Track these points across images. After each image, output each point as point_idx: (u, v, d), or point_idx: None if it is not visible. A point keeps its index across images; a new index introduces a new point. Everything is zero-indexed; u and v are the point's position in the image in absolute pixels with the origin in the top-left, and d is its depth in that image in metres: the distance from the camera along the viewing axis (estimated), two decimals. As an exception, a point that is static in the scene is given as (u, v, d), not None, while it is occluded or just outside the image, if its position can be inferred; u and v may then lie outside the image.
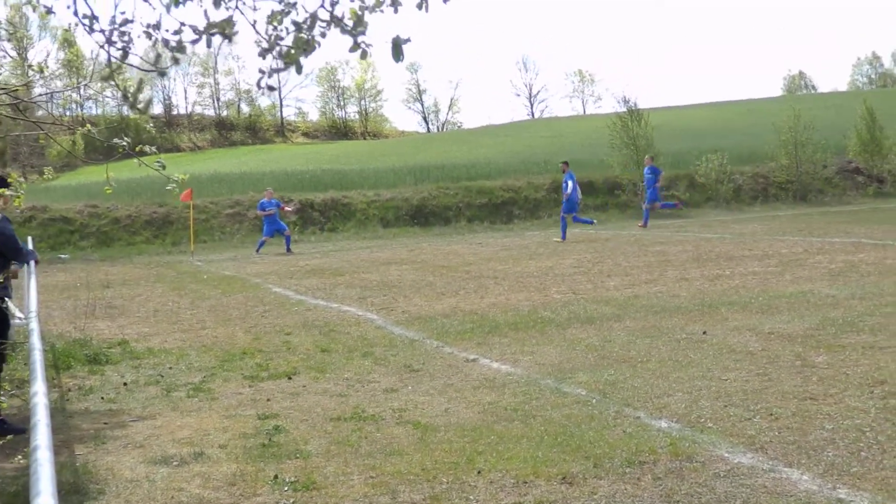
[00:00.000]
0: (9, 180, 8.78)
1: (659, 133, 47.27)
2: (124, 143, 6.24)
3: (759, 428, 8.10)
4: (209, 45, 5.06)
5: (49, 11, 5.73)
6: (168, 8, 5.22)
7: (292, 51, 4.97)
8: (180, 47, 5.20)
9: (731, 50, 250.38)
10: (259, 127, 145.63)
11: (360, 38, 4.95)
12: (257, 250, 32.39)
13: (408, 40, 4.85)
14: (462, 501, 6.77)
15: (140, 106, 5.65)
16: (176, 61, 5.32)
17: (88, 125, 7.15)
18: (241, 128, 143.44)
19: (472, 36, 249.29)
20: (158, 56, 5.35)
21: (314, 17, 4.94)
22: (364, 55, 4.99)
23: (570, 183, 31.60)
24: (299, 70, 5.07)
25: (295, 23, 4.96)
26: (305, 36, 4.95)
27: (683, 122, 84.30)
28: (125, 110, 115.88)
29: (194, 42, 5.10)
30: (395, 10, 5.05)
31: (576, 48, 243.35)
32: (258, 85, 5.08)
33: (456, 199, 41.79)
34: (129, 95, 5.57)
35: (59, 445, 8.51)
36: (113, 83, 5.58)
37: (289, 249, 32.08)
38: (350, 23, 4.94)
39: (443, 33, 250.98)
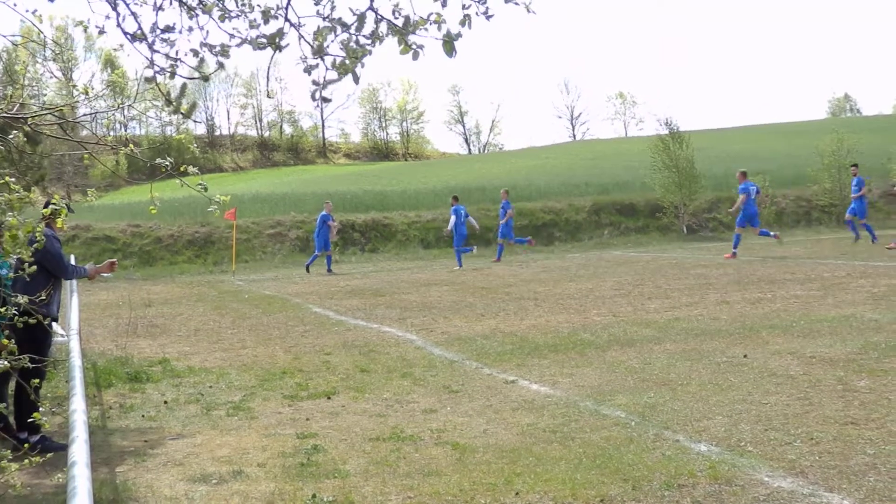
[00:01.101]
0: (53, 202, 8.86)
1: (701, 155, 47.17)
2: (167, 163, 6.28)
3: (800, 452, 8.04)
4: (255, 49, 5.08)
5: (102, 32, 5.78)
6: (200, 18, 5.24)
7: (346, 62, 4.97)
8: (224, 51, 5.22)
9: (776, 73, 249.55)
10: (301, 148, 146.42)
11: (410, 39, 4.95)
12: (329, 268, 32.46)
13: (459, 35, 4.84)
14: (500, 523, 6.76)
15: (184, 110, 5.66)
16: (221, 66, 5.35)
17: (132, 145, 7.20)
18: (283, 148, 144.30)
19: (513, 58, 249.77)
20: (202, 60, 5.37)
21: (362, 18, 4.95)
22: (416, 56, 4.98)
23: (452, 218, 32.73)
24: (356, 80, 5.08)
25: (343, 24, 4.96)
26: (354, 42, 4.96)
27: (726, 144, 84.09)
28: (168, 130, 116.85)
29: (240, 45, 5.13)
30: (439, 28, 5.04)
31: (617, 71, 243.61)
32: (312, 97, 5.09)
33: (497, 220, 41.79)
34: (173, 100, 5.61)
35: (98, 463, 8.57)
36: (155, 85, 5.62)
37: (329, 269, 32.20)
38: (399, 23, 4.95)
39: (485, 55, 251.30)
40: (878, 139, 59.16)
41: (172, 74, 5.44)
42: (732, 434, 8.74)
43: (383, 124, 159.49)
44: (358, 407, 10.74)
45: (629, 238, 41.34)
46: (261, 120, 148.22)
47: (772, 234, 31.38)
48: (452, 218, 32.59)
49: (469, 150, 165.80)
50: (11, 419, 9.69)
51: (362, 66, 5.06)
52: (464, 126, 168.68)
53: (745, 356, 12.48)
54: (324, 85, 5.06)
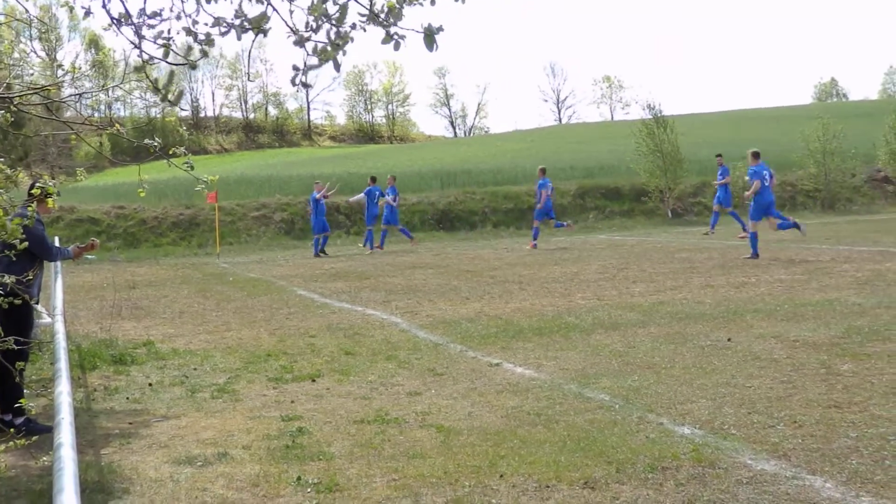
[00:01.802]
0: (37, 185, 8.83)
1: (686, 140, 47.20)
2: (156, 144, 6.27)
3: (783, 435, 8.07)
4: (239, 37, 5.06)
5: (88, 13, 5.76)
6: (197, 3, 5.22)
7: (328, 48, 4.96)
8: (209, 40, 5.21)
9: (762, 58, 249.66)
10: (286, 130, 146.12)
11: (392, 30, 4.93)
12: (316, 252, 32.43)
13: (440, 29, 4.83)
14: (484, 505, 6.78)
15: (171, 98, 5.65)
16: (205, 54, 5.33)
17: (118, 125, 7.18)
18: (268, 131, 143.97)
19: (499, 41, 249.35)
20: (189, 48, 5.36)
21: (344, 8, 4.93)
22: (397, 46, 4.97)
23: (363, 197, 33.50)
24: (337, 67, 5.06)
25: (326, 15, 4.95)
26: (338, 29, 4.94)
27: (711, 129, 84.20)
28: (153, 112, 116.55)
29: (224, 34, 5.11)
30: (433, 3, 5.03)
31: (604, 54, 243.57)
32: (293, 82, 5.07)
33: (482, 203, 41.85)
34: (161, 87, 5.59)
35: (84, 445, 8.56)
36: (144, 75, 5.61)
37: (317, 253, 32.11)
38: (383, 14, 4.94)
39: (471, 38, 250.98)
40: (864, 124, 59.23)
41: (167, 53, 5.42)
42: (716, 417, 8.78)
43: (369, 107, 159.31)
44: (342, 389, 10.75)
45: (614, 222, 41.39)
46: (246, 102, 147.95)
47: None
48: (363, 197, 33.28)
49: (455, 133, 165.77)
50: None
51: (343, 53, 5.04)
52: (450, 109, 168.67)
53: (729, 340, 12.53)
54: (304, 70, 5.04)
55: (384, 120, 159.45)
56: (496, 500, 6.84)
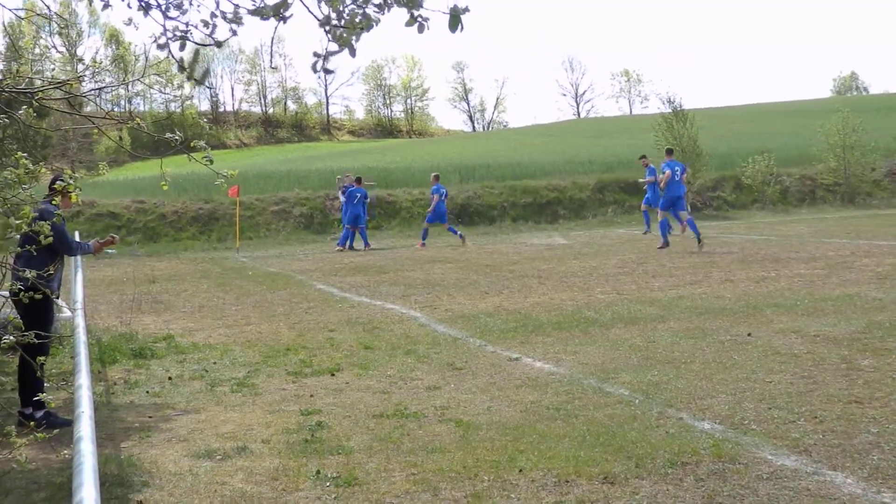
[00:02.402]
0: (59, 180, 8.84)
1: (705, 134, 47.09)
2: (177, 138, 6.27)
3: (804, 431, 8.05)
4: (263, 17, 5.04)
5: (107, 5, 5.76)
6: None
7: (345, 34, 4.94)
8: (237, 18, 5.20)
9: (782, 51, 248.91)
10: (305, 124, 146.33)
11: (416, 12, 4.91)
12: (342, 244, 32.49)
13: (466, 9, 4.79)
14: (503, 500, 6.77)
15: (197, 76, 5.64)
16: (234, 33, 5.32)
17: (138, 119, 7.19)
18: (287, 125, 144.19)
19: (518, 35, 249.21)
20: (214, 27, 5.35)
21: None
22: (421, 29, 4.94)
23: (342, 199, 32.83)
24: (353, 53, 5.04)
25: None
26: (360, 11, 4.92)
27: (730, 123, 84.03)
28: (172, 106, 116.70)
29: (251, 12, 5.09)
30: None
31: (622, 48, 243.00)
32: (314, 69, 5.05)
33: (501, 198, 41.80)
34: (186, 66, 5.59)
35: (104, 438, 8.59)
36: (170, 55, 5.60)
37: (343, 246, 32.03)
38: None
39: (489, 32, 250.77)
40: (884, 118, 59.10)
41: (184, 41, 5.42)
42: (736, 412, 8.76)
43: (387, 101, 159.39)
44: (362, 384, 10.76)
45: (633, 216, 41.21)
46: (265, 96, 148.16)
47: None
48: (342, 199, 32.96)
49: (473, 127, 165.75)
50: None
51: (356, 39, 5.02)
52: (468, 103, 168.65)
53: (749, 335, 12.49)
54: (325, 56, 5.03)
55: (403, 114, 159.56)
56: (515, 494, 6.84)
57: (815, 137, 46.84)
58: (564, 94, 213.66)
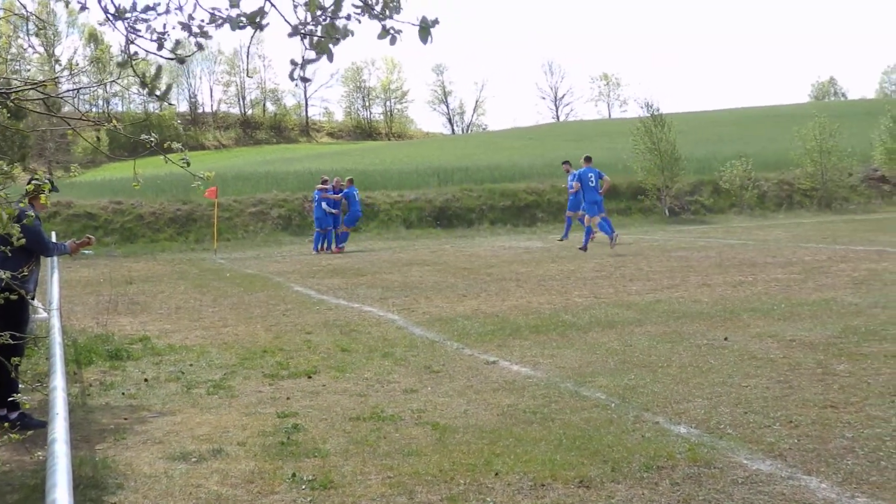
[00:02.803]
0: (32, 180, 8.80)
1: (684, 138, 47.22)
2: (152, 139, 6.25)
3: (779, 435, 8.08)
4: (234, 28, 5.02)
5: (84, 8, 5.74)
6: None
7: (322, 39, 4.93)
8: (203, 32, 5.17)
9: (761, 56, 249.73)
10: (284, 126, 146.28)
11: (388, 24, 4.90)
12: (316, 248, 32.48)
13: (436, 22, 4.79)
14: (479, 503, 6.77)
15: (158, 93, 5.62)
16: (200, 47, 5.30)
17: (115, 121, 7.16)
18: (266, 127, 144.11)
19: (498, 38, 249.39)
20: (178, 42, 5.32)
21: (338, 2, 4.90)
22: (393, 41, 4.94)
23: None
24: (330, 59, 5.02)
25: (321, 7, 4.92)
26: (335, 21, 4.91)
27: (708, 127, 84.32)
28: (151, 107, 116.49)
29: (219, 26, 5.07)
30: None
31: (602, 52, 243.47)
32: (291, 77, 5.03)
33: (479, 201, 41.78)
34: (148, 82, 5.56)
35: (78, 440, 8.56)
36: (131, 70, 5.57)
37: (317, 249, 32.06)
38: (378, 6, 4.90)
39: (469, 35, 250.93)
40: (862, 124, 59.19)
41: (160, 47, 5.39)
42: (712, 416, 8.78)
43: (367, 103, 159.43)
44: (338, 386, 10.75)
45: (611, 219, 41.33)
46: (244, 98, 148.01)
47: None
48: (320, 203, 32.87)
49: (453, 130, 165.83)
50: None
51: (335, 43, 5.00)
52: (447, 106, 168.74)
53: (725, 339, 12.53)
54: (302, 64, 5.02)
55: (382, 117, 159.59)
56: (491, 498, 6.84)
57: (793, 142, 47.00)
58: (544, 98, 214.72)
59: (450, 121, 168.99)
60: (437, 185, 43.96)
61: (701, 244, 28.80)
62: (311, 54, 4.97)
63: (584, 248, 27.30)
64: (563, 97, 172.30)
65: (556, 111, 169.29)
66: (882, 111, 51.06)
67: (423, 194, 42.00)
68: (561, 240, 32.85)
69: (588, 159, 28.94)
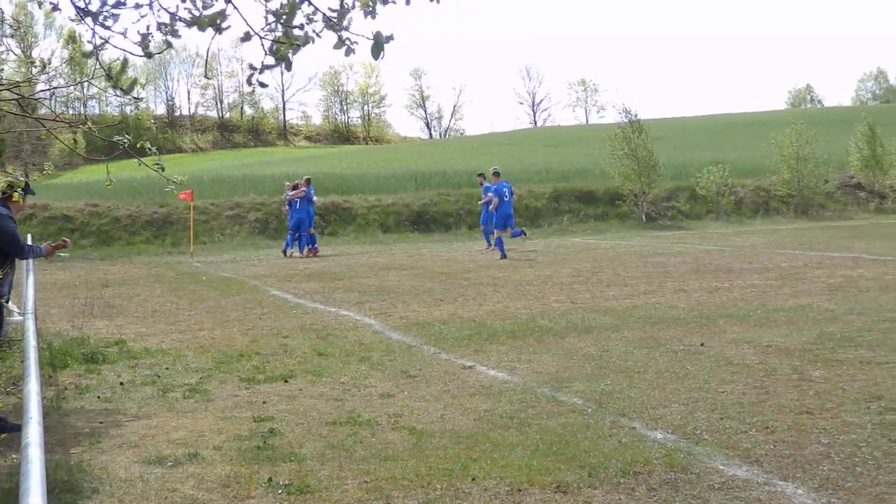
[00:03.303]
0: (9, 179, 8.75)
1: (662, 144, 47.39)
2: (125, 141, 6.22)
3: (755, 441, 8.09)
4: (202, 29, 5.00)
5: (55, 8, 5.71)
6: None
7: (282, 46, 4.92)
8: (174, 31, 5.16)
9: (738, 63, 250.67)
10: (262, 129, 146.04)
11: (343, 35, 4.90)
12: (284, 250, 32.35)
13: (390, 38, 4.78)
14: (456, 508, 6.76)
15: (123, 86, 5.60)
16: (169, 45, 5.28)
17: (90, 122, 7.13)
18: (243, 130, 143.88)
19: (476, 43, 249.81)
20: (144, 37, 5.30)
21: (293, 6, 4.89)
22: (348, 52, 4.94)
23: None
24: (289, 67, 5.02)
25: (274, 13, 4.90)
26: (286, 28, 4.91)
27: (685, 133, 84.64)
28: (128, 110, 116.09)
29: (189, 26, 5.06)
30: (407, 3, 4.99)
31: (579, 58, 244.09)
32: (249, 81, 5.03)
33: (457, 205, 41.79)
34: (113, 75, 5.54)
35: (53, 444, 8.51)
36: (97, 63, 5.55)
37: (285, 251, 31.97)
38: (334, 16, 4.89)
39: (447, 40, 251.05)
40: (838, 131, 59.51)
41: (145, 43, 5.37)
42: (688, 422, 8.79)
43: (344, 107, 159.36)
44: (315, 391, 10.72)
45: (588, 225, 41.42)
46: (221, 101, 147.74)
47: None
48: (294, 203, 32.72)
49: (430, 134, 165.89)
50: None
51: (293, 52, 4.99)
52: (425, 111, 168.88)
53: (701, 345, 12.56)
54: (261, 69, 5.01)
55: (360, 121, 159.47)
56: (468, 503, 6.83)
57: (770, 149, 47.21)
58: (521, 103, 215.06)
59: (427, 125, 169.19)
60: (414, 190, 44.00)
61: (678, 250, 28.86)
62: (270, 60, 4.97)
63: (503, 256, 28.00)
64: (540, 102, 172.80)
65: (534, 116, 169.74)
66: (858, 119, 51.38)
67: (401, 198, 42.02)
68: (487, 249, 32.71)
69: (497, 174, 30.04)
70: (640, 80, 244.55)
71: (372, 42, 4.76)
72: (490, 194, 29.94)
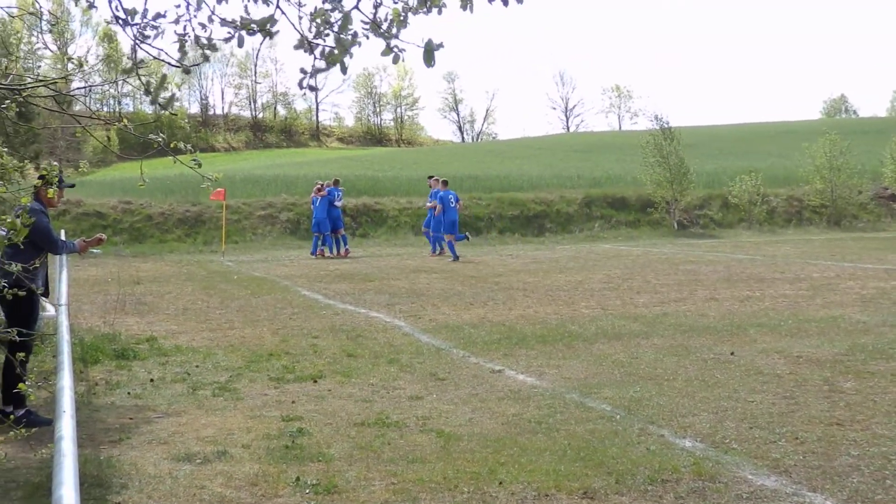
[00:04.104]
0: (45, 174, 8.79)
1: (694, 152, 47.22)
2: (160, 139, 6.24)
3: (784, 451, 8.06)
4: (240, 44, 5.02)
5: (91, 6, 5.73)
6: (199, 5, 5.18)
7: (335, 51, 4.92)
8: (211, 44, 5.17)
9: (773, 72, 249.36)
10: (294, 130, 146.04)
11: (392, 42, 4.90)
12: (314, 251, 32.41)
13: (440, 45, 4.78)
14: (483, 512, 6.77)
15: (161, 101, 5.62)
16: (206, 58, 5.29)
17: (125, 120, 7.16)
18: (276, 130, 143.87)
19: (509, 48, 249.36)
20: (184, 52, 5.31)
21: (347, 18, 4.90)
22: (396, 59, 4.94)
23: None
24: (344, 70, 5.02)
25: (328, 23, 4.91)
26: (339, 36, 4.91)
27: (719, 141, 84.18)
28: (159, 108, 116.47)
29: (227, 40, 5.07)
30: (440, 12, 5.00)
31: (614, 64, 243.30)
32: (300, 85, 5.03)
33: (488, 210, 41.75)
34: (152, 90, 5.56)
35: (84, 438, 8.55)
36: (136, 76, 5.57)
37: (319, 252, 31.99)
38: (385, 25, 4.90)
39: (481, 44, 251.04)
40: (873, 142, 59.11)
41: (182, 46, 5.38)
42: (717, 431, 8.76)
43: (377, 109, 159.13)
44: (344, 391, 10.74)
45: (620, 232, 41.33)
46: (255, 101, 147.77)
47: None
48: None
49: (462, 138, 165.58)
50: None
51: (350, 56, 5.00)
52: (458, 114, 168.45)
53: (732, 353, 12.51)
54: (312, 74, 5.01)
55: (392, 123, 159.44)
56: (495, 507, 6.83)
57: (803, 159, 46.95)
58: (554, 108, 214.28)
59: (460, 129, 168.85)
60: (445, 193, 44.01)
61: (709, 258, 28.77)
62: (322, 64, 4.97)
63: (456, 258, 29.79)
64: (573, 108, 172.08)
65: (567, 122, 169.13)
66: (893, 129, 51.01)
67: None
68: (434, 254, 32.60)
69: (445, 183, 32.13)
70: (674, 87, 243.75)
71: (423, 50, 4.76)
72: (435, 200, 31.85)
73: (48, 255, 10.21)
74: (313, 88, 5.12)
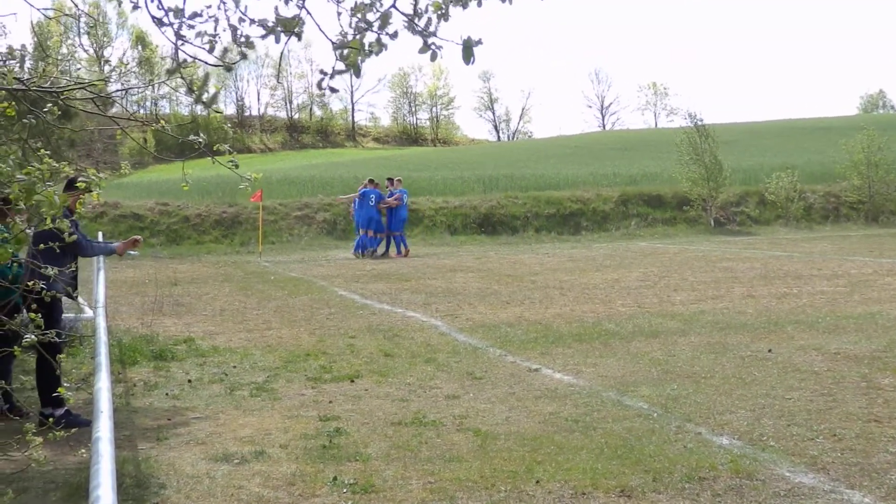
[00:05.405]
0: (81, 178, 8.82)
1: (731, 148, 47.02)
2: (200, 140, 6.27)
3: (822, 448, 8.03)
4: (277, 40, 5.05)
5: (136, 7, 5.77)
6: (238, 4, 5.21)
7: (352, 53, 4.94)
8: (248, 42, 5.20)
9: (809, 68, 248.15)
10: (330, 130, 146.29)
11: (430, 40, 4.91)
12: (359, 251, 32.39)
13: (479, 42, 4.79)
14: (520, 510, 6.77)
15: (205, 99, 5.65)
16: (244, 56, 5.33)
17: (162, 122, 7.21)
18: (312, 131, 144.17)
19: (545, 46, 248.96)
20: (225, 50, 5.35)
21: (386, 16, 4.91)
22: (434, 57, 4.94)
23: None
24: (357, 73, 5.03)
25: (367, 21, 4.93)
26: (377, 33, 4.92)
27: (755, 138, 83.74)
28: (197, 109, 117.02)
29: (264, 37, 5.10)
30: (479, 4, 5.00)
31: (650, 61, 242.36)
32: (319, 86, 5.05)
33: (524, 208, 41.72)
34: (195, 89, 5.60)
35: (122, 439, 8.61)
36: (179, 76, 5.61)
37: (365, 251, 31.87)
38: (422, 21, 4.90)
39: (516, 42, 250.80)
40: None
41: (212, 48, 5.41)
42: (755, 428, 8.74)
43: (413, 109, 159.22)
44: (381, 391, 10.77)
45: (656, 229, 41.21)
46: (290, 102, 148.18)
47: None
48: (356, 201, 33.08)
49: (498, 137, 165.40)
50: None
51: (362, 60, 5.01)
52: (493, 113, 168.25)
53: (769, 351, 12.46)
54: (332, 75, 5.03)
55: (428, 122, 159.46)
56: (532, 505, 6.84)
57: (840, 155, 46.68)
58: (590, 106, 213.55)
59: (496, 128, 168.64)
60: (481, 192, 44.00)
61: (746, 255, 28.65)
62: (341, 65, 4.98)
63: (406, 252, 32.20)
64: (609, 106, 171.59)
65: (603, 120, 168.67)
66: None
67: (468, 201, 42.02)
68: (384, 253, 32.51)
69: (400, 181, 34.07)
70: (710, 83, 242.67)
71: (461, 47, 4.77)
72: (398, 193, 32.74)
73: (77, 259, 10.26)
74: (333, 90, 5.14)
